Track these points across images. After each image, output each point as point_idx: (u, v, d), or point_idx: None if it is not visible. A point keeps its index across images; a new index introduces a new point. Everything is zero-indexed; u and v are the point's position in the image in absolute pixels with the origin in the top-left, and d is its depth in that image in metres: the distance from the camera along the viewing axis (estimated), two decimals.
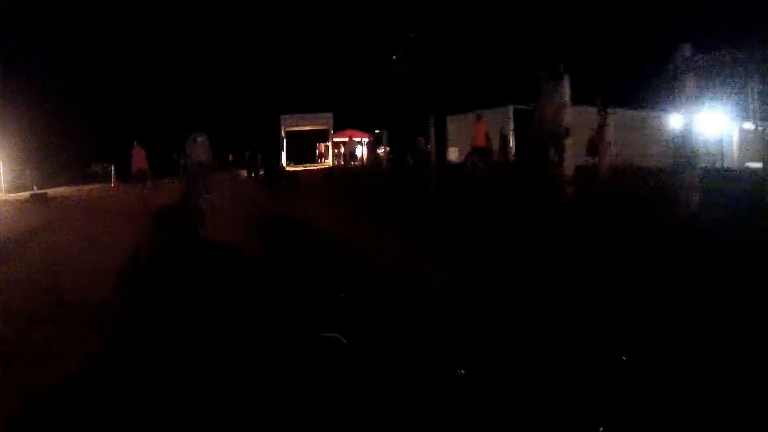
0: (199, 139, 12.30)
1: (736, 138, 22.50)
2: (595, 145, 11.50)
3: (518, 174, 8.52)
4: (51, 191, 16.91)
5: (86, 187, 19.91)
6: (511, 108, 14.59)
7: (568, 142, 7.08)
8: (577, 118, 12.81)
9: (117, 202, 13.30)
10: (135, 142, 13.36)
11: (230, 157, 25.52)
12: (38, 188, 18.69)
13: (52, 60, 30.68)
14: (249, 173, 20.13)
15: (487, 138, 15.72)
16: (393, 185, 11.65)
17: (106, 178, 21.34)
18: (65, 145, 27.55)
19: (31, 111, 25.43)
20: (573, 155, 11.23)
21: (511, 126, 14.22)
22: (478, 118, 14.76)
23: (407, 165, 19.16)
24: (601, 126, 10.71)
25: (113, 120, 28.77)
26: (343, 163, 26.71)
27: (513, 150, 13.94)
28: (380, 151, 28.24)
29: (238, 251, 5.19)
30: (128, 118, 27.84)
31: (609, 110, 11.76)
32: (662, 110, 21.24)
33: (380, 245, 5.01)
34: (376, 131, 32.30)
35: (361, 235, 5.71)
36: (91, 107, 29.34)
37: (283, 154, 30.41)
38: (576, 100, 13.63)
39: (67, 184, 22.88)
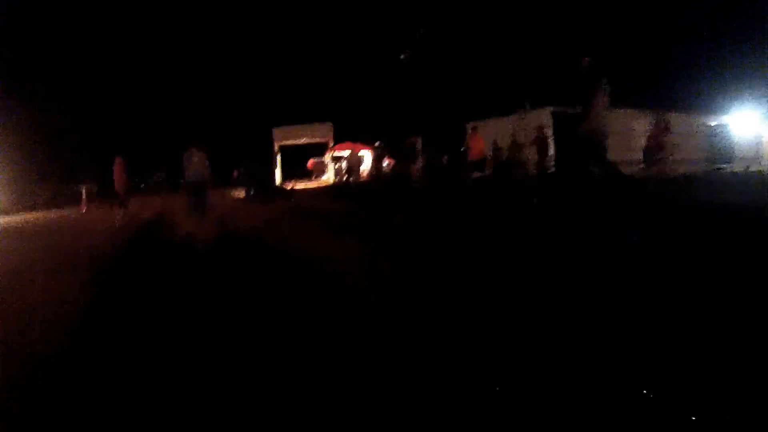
0: (195, 157, 11.14)
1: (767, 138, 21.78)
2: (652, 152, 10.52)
3: None
4: (6, 220, 15.72)
5: (54, 213, 18.67)
6: (548, 111, 13.41)
7: None
8: (620, 122, 11.89)
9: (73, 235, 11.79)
10: (119, 157, 12.02)
11: (235, 174, 24.26)
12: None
13: (34, 73, 29.46)
14: (247, 192, 18.85)
15: (499, 147, 15.00)
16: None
17: (89, 199, 19.90)
18: (41, 164, 26.20)
19: (6, 124, 24.19)
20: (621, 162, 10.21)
21: (551, 132, 13.11)
22: (474, 129, 14.61)
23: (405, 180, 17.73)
24: (664, 130, 9.73)
25: (96, 134, 27.48)
26: (345, 179, 25.46)
27: (552, 159, 12.87)
28: (386, 163, 27.14)
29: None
30: (112, 132, 26.61)
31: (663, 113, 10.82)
32: (697, 112, 20.47)
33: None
34: (376, 144, 31.27)
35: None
36: (72, 120, 28.11)
37: (278, 172, 29.16)
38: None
39: (40, 207, 21.66)
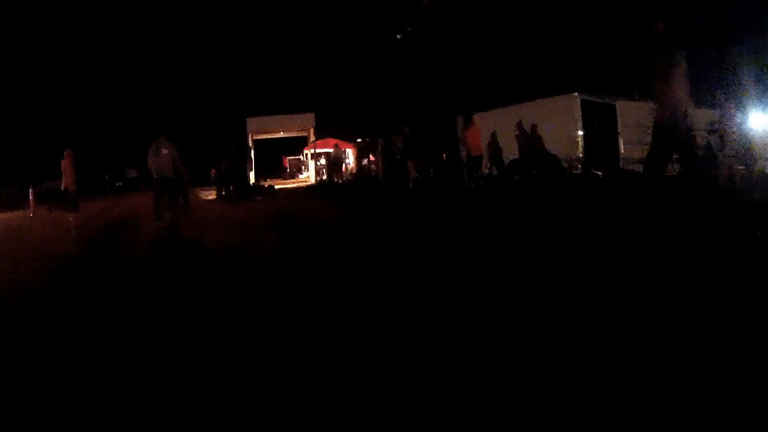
0: (164, 149, 9.36)
1: None
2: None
3: None
4: None
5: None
6: (576, 98, 11.56)
7: None
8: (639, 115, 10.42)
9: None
10: (68, 150, 9.98)
11: (213, 172, 22.12)
12: None
13: None
14: (219, 191, 16.78)
15: (496, 145, 13.58)
16: None
17: (43, 200, 17.37)
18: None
19: None
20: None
21: (579, 124, 11.38)
22: (471, 123, 13.80)
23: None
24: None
25: (56, 129, 24.65)
26: (327, 179, 23.62)
27: (580, 157, 11.31)
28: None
29: None
30: (75, 128, 23.91)
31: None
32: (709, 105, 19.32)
33: None
34: (359, 140, 29.36)
35: None
36: (29, 116, 25.30)
37: (251, 170, 26.91)
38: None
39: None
